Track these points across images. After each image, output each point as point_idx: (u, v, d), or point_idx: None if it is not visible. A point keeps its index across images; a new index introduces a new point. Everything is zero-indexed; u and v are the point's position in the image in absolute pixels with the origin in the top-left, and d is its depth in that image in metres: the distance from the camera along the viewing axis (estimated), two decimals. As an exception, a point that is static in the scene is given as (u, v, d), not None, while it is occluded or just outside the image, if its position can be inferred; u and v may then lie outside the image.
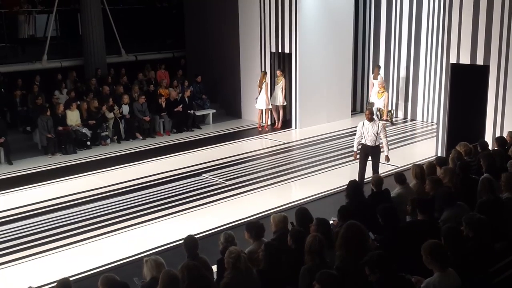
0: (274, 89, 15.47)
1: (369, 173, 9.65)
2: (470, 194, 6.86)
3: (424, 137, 14.45)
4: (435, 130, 12.77)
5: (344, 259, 4.97)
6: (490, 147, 9.27)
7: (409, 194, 7.01)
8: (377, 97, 14.24)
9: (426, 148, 13.10)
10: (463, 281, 4.67)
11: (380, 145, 9.72)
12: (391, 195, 7.17)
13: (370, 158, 9.84)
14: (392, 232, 5.72)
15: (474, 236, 5.23)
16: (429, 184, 6.95)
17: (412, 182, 7.53)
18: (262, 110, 15.39)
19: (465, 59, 11.35)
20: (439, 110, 12.16)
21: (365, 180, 9.75)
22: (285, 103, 15.45)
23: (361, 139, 9.75)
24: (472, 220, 5.29)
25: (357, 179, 8.88)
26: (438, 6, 14.81)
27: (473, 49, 11.20)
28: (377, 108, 13.04)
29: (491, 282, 4.94)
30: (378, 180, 7.31)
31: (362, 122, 9.71)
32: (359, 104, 17.44)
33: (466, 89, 11.60)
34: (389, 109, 13.69)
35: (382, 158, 9.89)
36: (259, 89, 15.16)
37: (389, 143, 10.05)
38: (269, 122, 15.68)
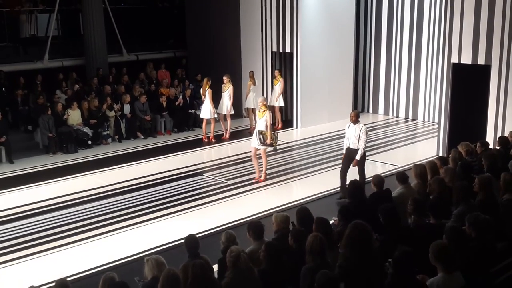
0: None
1: (369, 173, 9.63)
2: (471, 194, 6.84)
3: (425, 137, 14.44)
4: (436, 130, 12.76)
5: (348, 259, 4.96)
6: (491, 147, 9.25)
7: (410, 194, 6.99)
8: (258, 117, 11.02)
9: (427, 148, 13.09)
10: (466, 281, 4.67)
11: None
12: (393, 195, 7.15)
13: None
14: (393, 232, 5.70)
15: (477, 236, 5.22)
16: (432, 184, 6.93)
17: (413, 182, 7.51)
18: (206, 119, 14.13)
19: (466, 59, 11.34)
20: (440, 110, 12.15)
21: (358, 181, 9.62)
22: (233, 112, 14.45)
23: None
24: (477, 220, 5.28)
25: (358, 179, 8.85)
26: (439, 5, 14.79)
27: (475, 48, 11.18)
28: (258, 130, 10.54)
29: (492, 283, 4.93)
30: (379, 180, 7.29)
31: (348, 124, 9.67)
32: (361, 104, 17.44)
33: (468, 89, 11.59)
34: (272, 131, 10.76)
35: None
36: (203, 96, 14.10)
37: (365, 148, 9.72)
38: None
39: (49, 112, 13.11)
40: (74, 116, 13.49)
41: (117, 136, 14.32)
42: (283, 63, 15.94)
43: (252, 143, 10.89)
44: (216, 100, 14.72)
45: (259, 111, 11.00)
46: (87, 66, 16.37)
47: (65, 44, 17.52)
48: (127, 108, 14.54)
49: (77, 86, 15.10)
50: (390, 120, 16.40)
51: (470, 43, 11.22)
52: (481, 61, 11.16)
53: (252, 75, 14.86)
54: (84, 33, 16.34)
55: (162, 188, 10.72)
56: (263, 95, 15.98)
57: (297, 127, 15.43)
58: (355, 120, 9.52)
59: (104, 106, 14.05)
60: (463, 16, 11.24)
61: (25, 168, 12.17)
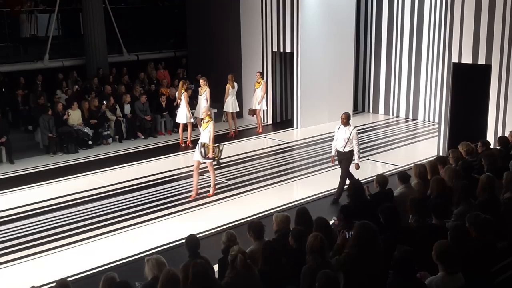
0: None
1: (368, 173, 9.63)
2: (472, 193, 6.84)
3: (426, 136, 14.44)
4: (437, 129, 12.75)
5: (352, 255, 4.98)
6: (491, 147, 9.24)
7: (411, 193, 6.99)
8: (201, 129, 10.18)
9: (427, 148, 13.09)
10: (466, 281, 4.67)
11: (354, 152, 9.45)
12: (394, 194, 7.15)
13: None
14: (394, 231, 5.70)
15: (477, 236, 5.22)
16: (432, 184, 6.92)
17: (413, 181, 7.50)
18: (183, 124, 13.66)
19: (467, 59, 11.33)
20: (440, 109, 12.14)
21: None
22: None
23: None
24: (477, 220, 5.28)
25: (358, 179, 8.85)
26: (440, 5, 14.79)
27: (475, 48, 11.18)
28: (201, 143, 9.79)
29: (492, 282, 4.94)
30: (382, 179, 7.25)
31: (338, 126, 9.55)
32: (361, 104, 17.44)
33: (468, 88, 11.58)
34: (217, 144, 10.03)
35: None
36: (179, 100, 13.66)
37: (360, 150, 9.72)
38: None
39: (50, 112, 13.11)
40: (75, 116, 13.49)
41: (117, 136, 14.32)
42: (284, 63, 15.94)
43: (194, 156, 10.13)
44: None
45: (203, 122, 10.11)
46: (88, 66, 16.38)
47: (66, 44, 17.52)
48: (127, 108, 14.55)
49: (76, 86, 15.11)
50: (390, 120, 16.40)
51: (471, 43, 11.21)
52: (481, 61, 11.16)
53: (231, 78, 14.40)
54: (85, 33, 16.34)
55: (163, 188, 10.72)
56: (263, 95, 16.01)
57: (297, 127, 15.43)
58: (346, 122, 9.39)
59: (103, 106, 14.05)
60: (463, 16, 11.23)
61: (25, 168, 12.17)
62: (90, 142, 13.67)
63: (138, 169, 11.95)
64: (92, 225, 9.07)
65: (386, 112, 16.88)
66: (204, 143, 9.88)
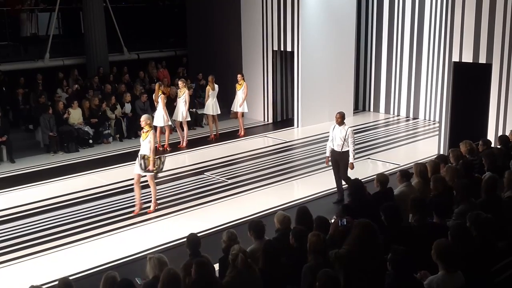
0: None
1: (369, 172, 9.63)
2: (473, 192, 6.84)
3: (426, 135, 14.43)
4: (438, 128, 12.75)
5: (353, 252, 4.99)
6: (492, 146, 9.24)
7: (411, 192, 6.98)
8: (141, 139, 9.53)
9: (428, 146, 13.08)
10: (466, 280, 4.67)
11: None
12: (394, 193, 7.14)
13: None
14: (395, 230, 5.70)
15: (477, 235, 5.22)
16: (433, 183, 6.92)
17: (414, 180, 7.49)
18: (160, 127, 13.14)
19: (467, 58, 11.33)
20: (441, 108, 12.13)
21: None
22: (189, 119, 13.70)
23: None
24: (478, 219, 5.28)
25: (358, 178, 8.83)
26: (440, 3, 14.78)
27: (476, 47, 11.17)
28: (140, 155, 9.15)
29: (493, 281, 4.94)
30: (383, 178, 7.24)
31: (333, 125, 9.47)
32: (361, 103, 17.43)
33: (469, 87, 11.58)
34: (158, 155, 9.40)
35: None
36: (155, 103, 13.17)
37: (356, 150, 9.59)
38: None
39: (50, 111, 13.12)
40: (75, 115, 13.50)
41: (118, 135, 14.32)
42: (284, 62, 15.93)
43: (134, 169, 9.39)
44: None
45: (143, 131, 9.44)
46: (88, 65, 16.38)
47: (66, 43, 17.54)
48: (128, 107, 14.54)
49: (76, 85, 15.11)
50: (391, 119, 16.39)
51: (471, 41, 11.20)
52: (482, 59, 11.15)
53: (211, 80, 14.01)
54: (85, 32, 16.35)
55: (164, 187, 10.71)
56: (264, 95, 16.02)
57: (297, 126, 15.43)
58: (341, 121, 9.30)
59: (104, 105, 14.05)
60: (464, 14, 11.23)
61: (26, 167, 12.18)
62: (90, 141, 13.67)
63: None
64: (93, 223, 9.07)
65: (387, 111, 16.87)
66: (144, 155, 9.16)
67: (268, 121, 16.08)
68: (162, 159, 9.39)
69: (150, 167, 9.16)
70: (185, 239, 5.84)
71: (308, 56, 15.02)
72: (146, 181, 9.45)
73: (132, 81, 15.91)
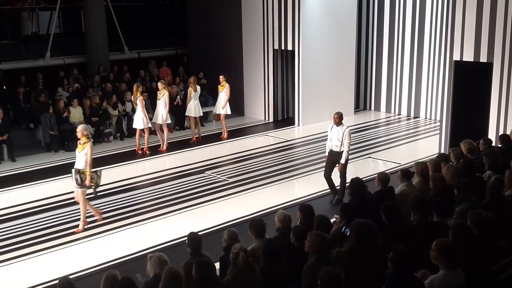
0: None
1: (370, 171, 9.62)
2: (474, 191, 6.83)
3: (427, 134, 14.43)
4: (438, 127, 12.74)
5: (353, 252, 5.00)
6: (493, 145, 9.23)
7: (412, 191, 6.98)
8: (77, 151, 8.78)
9: (429, 145, 13.07)
10: (467, 279, 4.67)
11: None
12: (395, 192, 7.14)
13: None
14: (395, 229, 5.70)
15: (478, 234, 5.22)
16: (433, 182, 6.92)
17: (415, 179, 7.49)
18: (139, 130, 12.83)
19: (468, 56, 11.32)
20: (442, 107, 12.12)
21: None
22: (169, 121, 13.29)
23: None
24: (479, 218, 5.27)
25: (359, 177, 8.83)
26: (441, 2, 14.76)
27: (477, 46, 11.16)
28: (75, 169, 8.48)
29: (493, 280, 4.93)
30: (383, 177, 7.24)
31: (331, 126, 9.46)
32: (362, 102, 17.42)
33: (470, 86, 11.57)
34: (95, 170, 8.72)
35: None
36: (134, 105, 12.90)
37: (350, 150, 9.50)
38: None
39: (51, 110, 13.12)
40: (76, 114, 13.49)
41: (118, 134, 14.32)
42: (285, 61, 15.92)
43: (72, 185, 8.77)
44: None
45: (79, 143, 8.67)
46: (89, 64, 16.39)
47: (67, 41, 17.53)
48: (129, 106, 14.54)
49: (77, 85, 15.10)
50: (392, 118, 16.39)
51: (472, 40, 11.19)
52: (483, 58, 11.14)
53: (193, 81, 13.61)
54: (86, 31, 16.35)
55: (164, 186, 10.73)
56: (265, 94, 16.02)
57: (298, 125, 15.43)
58: (339, 122, 9.28)
59: (104, 103, 14.04)
60: (465, 13, 11.21)
61: (27, 166, 12.19)
62: (91, 140, 13.64)
63: (139, 167, 11.96)
64: (93, 223, 9.07)
65: (388, 110, 16.87)
66: (79, 169, 8.48)
67: (268, 120, 16.07)
68: (99, 173, 8.74)
69: (87, 182, 8.50)
70: (186, 238, 5.84)
71: (309, 55, 15.01)
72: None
73: (133, 80, 15.89)
